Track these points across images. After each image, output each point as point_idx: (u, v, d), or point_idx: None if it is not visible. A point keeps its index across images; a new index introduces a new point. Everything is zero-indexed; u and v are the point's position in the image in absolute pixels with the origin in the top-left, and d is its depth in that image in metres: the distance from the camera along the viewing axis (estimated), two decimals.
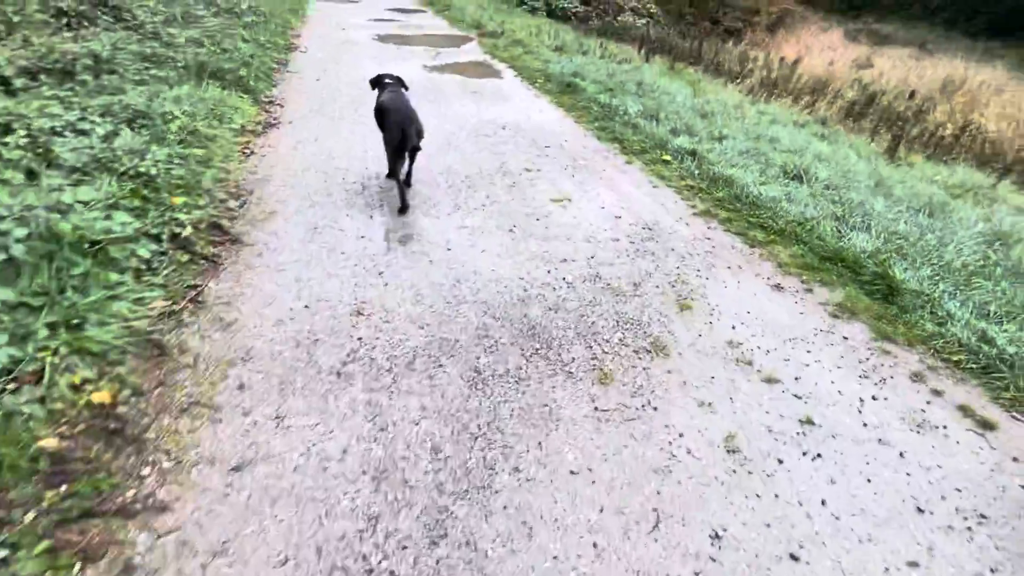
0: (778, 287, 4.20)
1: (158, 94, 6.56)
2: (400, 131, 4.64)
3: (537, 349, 3.34)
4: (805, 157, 6.79)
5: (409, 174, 5.24)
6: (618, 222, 4.97)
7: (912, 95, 12.58)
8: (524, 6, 22.21)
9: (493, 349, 3.31)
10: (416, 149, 4.87)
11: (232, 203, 4.78)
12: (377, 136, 5.50)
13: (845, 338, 3.69)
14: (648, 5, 25.20)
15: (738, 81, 16.22)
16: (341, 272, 3.95)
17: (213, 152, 5.48)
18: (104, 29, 9.97)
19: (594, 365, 3.25)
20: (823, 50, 22.16)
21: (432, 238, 4.49)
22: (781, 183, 6.01)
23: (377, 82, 5.41)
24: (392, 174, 5.16)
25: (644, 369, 3.25)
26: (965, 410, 3.17)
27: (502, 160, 6.21)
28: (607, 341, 3.46)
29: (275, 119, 7.11)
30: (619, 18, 22.93)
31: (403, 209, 4.85)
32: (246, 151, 5.93)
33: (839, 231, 4.95)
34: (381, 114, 5.02)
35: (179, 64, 7.65)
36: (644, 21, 23.18)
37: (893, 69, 19.26)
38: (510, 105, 8.39)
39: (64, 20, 9.50)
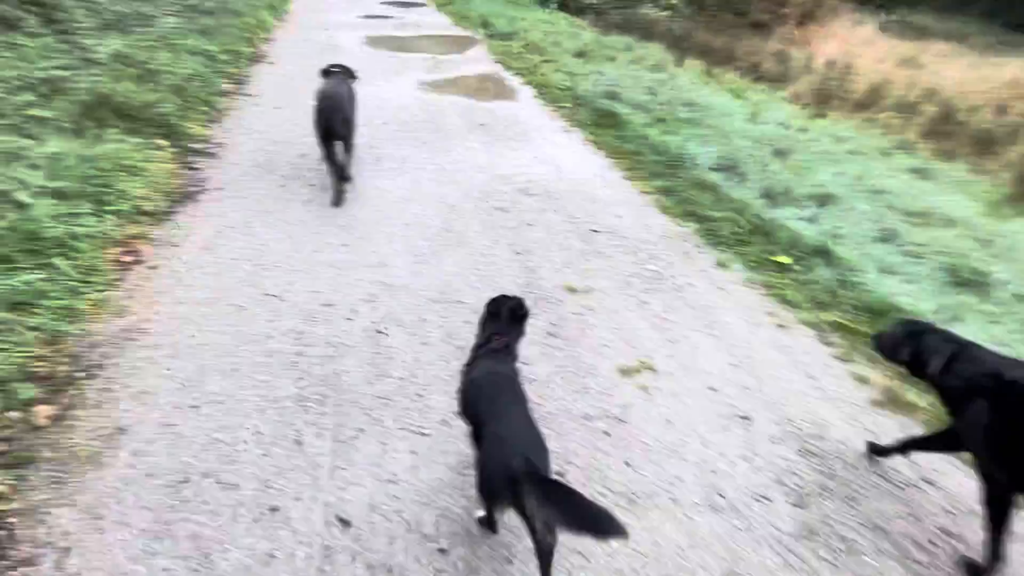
0: None
1: (19, 153, 4.25)
2: (325, 116, 4.47)
3: None
4: (949, 234, 4.49)
5: (345, 166, 4.74)
6: (755, 437, 2.64)
7: (1004, 110, 10.14)
8: None
9: None
10: (347, 139, 4.73)
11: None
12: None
13: None
14: None
15: (783, 86, 13.76)
16: None
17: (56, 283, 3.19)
18: (26, 34, 7.63)
19: None
20: (860, 46, 19.51)
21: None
22: (964, 300, 3.71)
23: (326, 72, 5.20)
24: (327, 159, 4.64)
25: None
26: None
27: (528, 263, 3.89)
28: None
29: (198, 183, 4.77)
30: (639, 10, 20.28)
31: (337, 203, 4.58)
32: (126, 260, 3.63)
33: None
34: (317, 102, 4.63)
35: (76, 97, 5.31)
36: (667, 13, 20.53)
37: (947, 69, 16.68)
38: (533, 148, 6.02)
39: None
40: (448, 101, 7.37)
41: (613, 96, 7.75)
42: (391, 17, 13.37)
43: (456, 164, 5.47)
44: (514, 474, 1.69)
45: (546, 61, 9.62)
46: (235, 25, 9.54)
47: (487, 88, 8.13)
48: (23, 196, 3.68)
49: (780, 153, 6.66)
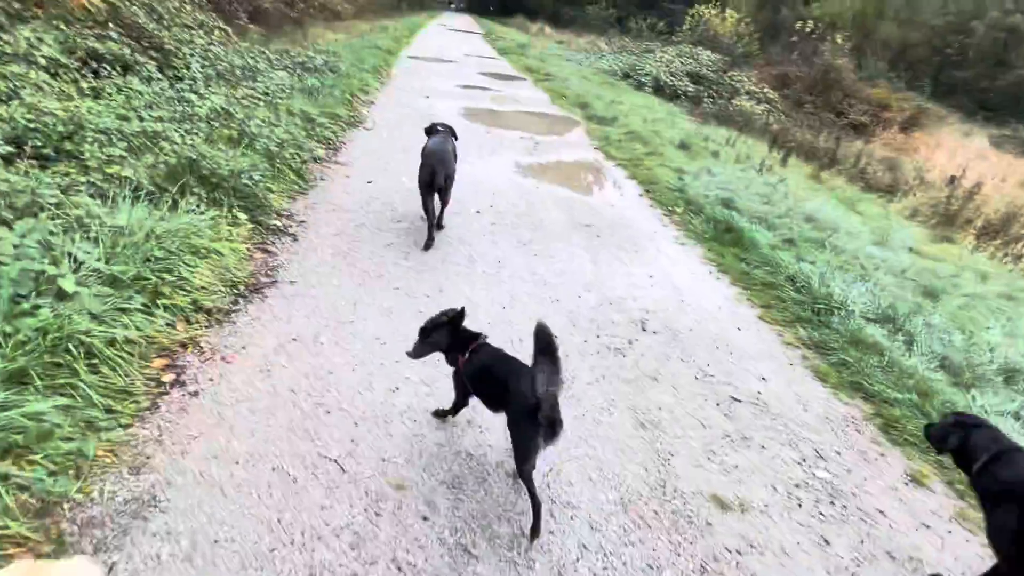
0: None
1: (84, 221, 3.71)
2: (430, 170, 4.68)
3: None
4: None
5: (440, 215, 5.13)
6: None
7: None
8: (630, 80, 19.26)
9: None
10: (445, 191, 4.93)
11: None
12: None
13: None
14: (764, 89, 21.76)
15: (893, 197, 12.56)
16: None
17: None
18: (142, 79, 7.50)
19: None
20: (974, 160, 18.05)
21: None
22: None
23: (430, 129, 5.30)
24: (424, 208, 4.85)
25: None
26: None
27: (658, 446, 2.93)
28: None
29: (270, 273, 4.11)
30: (733, 101, 19.60)
31: (428, 246, 4.81)
32: (165, 380, 2.91)
33: None
34: (423, 154, 4.91)
35: (164, 156, 4.84)
36: (763, 108, 19.75)
37: None
38: (646, 261, 5.15)
39: (91, 66, 7.02)
40: (547, 191, 6.66)
41: (728, 203, 6.86)
42: (489, 89, 13.09)
43: (560, 276, 4.65)
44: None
45: (650, 153, 8.88)
46: (339, 86, 9.29)
47: (589, 179, 7.40)
48: (68, 284, 3.05)
49: (930, 295, 5.57)
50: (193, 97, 6.45)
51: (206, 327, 3.37)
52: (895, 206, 11.81)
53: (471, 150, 7.68)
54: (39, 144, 4.82)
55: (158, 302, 3.35)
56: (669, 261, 5.23)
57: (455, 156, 5.16)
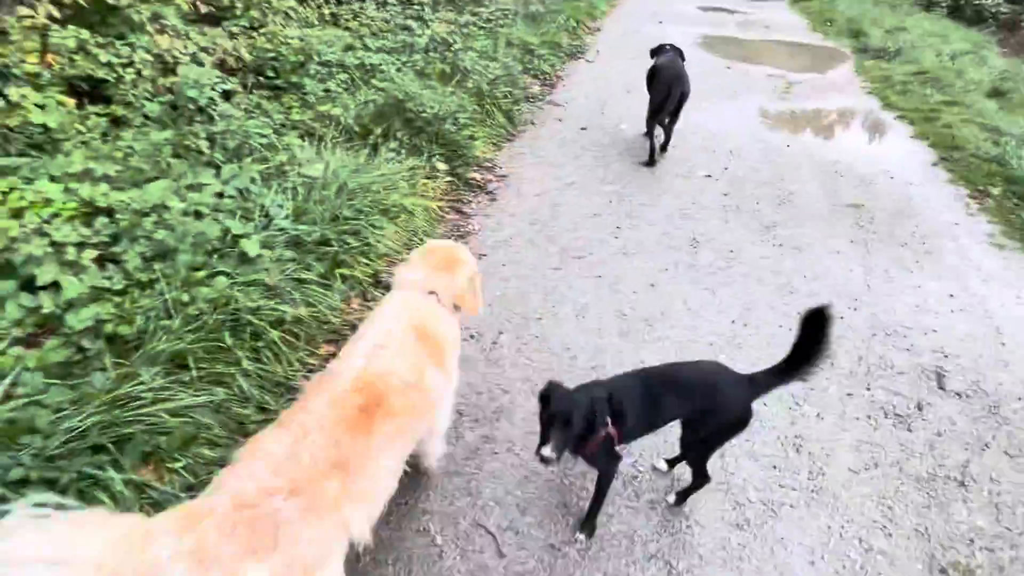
0: None
1: (284, 168, 3.49)
2: (667, 88, 4.39)
3: None
4: None
5: (668, 138, 4.79)
6: None
7: None
8: None
9: None
10: (676, 113, 4.60)
11: None
12: None
13: None
14: None
15: None
16: None
17: None
18: (376, 3, 7.44)
19: None
20: None
21: None
22: None
23: (657, 50, 4.96)
24: (648, 132, 4.68)
25: None
26: None
27: None
28: None
29: (463, 235, 3.56)
30: None
31: (651, 163, 4.66)
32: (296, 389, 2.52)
33: None
34: (653, 74, 4.68)
35: (371, 96, 4.49)
36: None
37: None
38: (943, 272, 3.65)
39: None
40: (802, 151, 5.18)
41: None
42: (736, 12, 11.05)
43: (813, 281, 3.44)
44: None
45: (948, 103, 6.63)
46: (564, 10, 8.32)
47: (858, 137, 5.68)
48: (252, 246, 2.78)
49: None
50: (414, 25, 6.03)
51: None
52: None
53: (704, 93, 6.33)
54: (271, 76, 4.78)
55: (337, 272, 2.98)
56: (979, 274, 3.66)
57: (687, 76, 4.62)
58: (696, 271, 3.47)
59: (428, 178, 4.00)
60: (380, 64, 5.13)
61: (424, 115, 4.24)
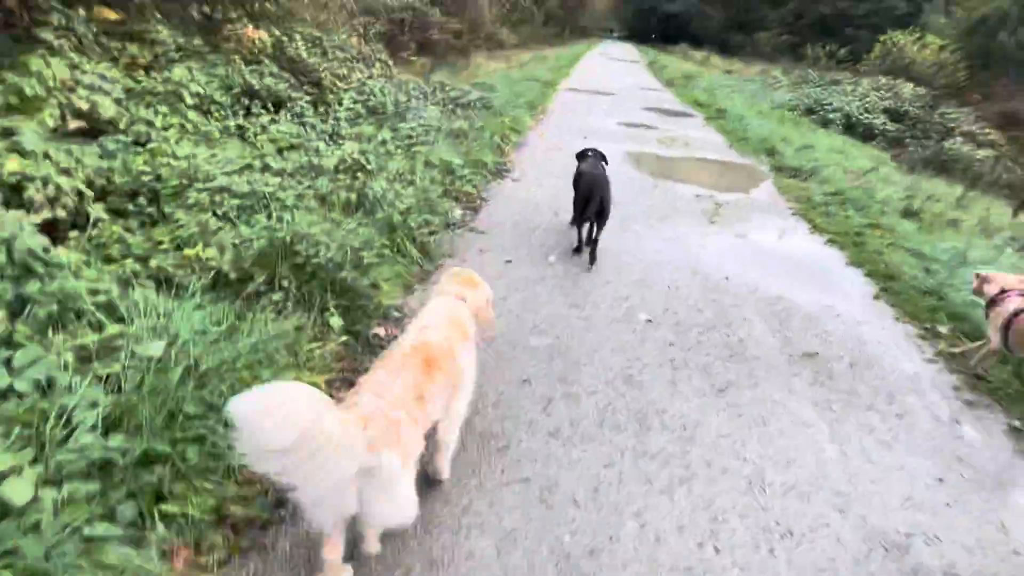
0: None
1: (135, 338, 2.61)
2: (588, 190, 4.51)
3: None
4: None
5: (594, 243, 4.69)
6: None
7: None
8: (815, 116, 16.36)
9: None
10: (601, 216, 4.56)
11: None
12: None
13: None
14: (985, 130, 17.60)
15: None
16: None
17: None
18: (294, 114, 6.86)
19: None
20: None
21: None
22: None
23: (581, 155, 5.24)
24: (575, 225, 4.97)
25: None
26: None
27: None
28: None
29: None
30: (945, 143, 15.91)
31: (578, 251, 4.87)
32: None
33: None
34: (577, 179, 4.92)
35: (255, 233, 3.72)
36: (985, 153, 15.82)
37: None
38: (918, 442, 3.13)
39: (246, 101, 6.45)
40: (743, 285, 4.77)
41: None
42: (655, 127, 11.29)
43: (788, 471, 2.80)
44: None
45: (870, 225, 6.56)
46: (488, 127, 8.05)
47: (799, 267, 5.37)
48: (20, 487, 1.85)
49: None
50: (322, 146, 5.42)
51: (220, 566, 2.02)
52: None
53: (636, 215, 5.99)
54: (142, 204, 3.95)
55: (157, 510, 2.07)
56: (962, 447, 3.15)
57: (609, 182, 4.75)
58: (648, 462, 2.76)
59: (317, 340, 3.20)
60: (274, 192, 4.42)
61: (316, 259, 3.50)
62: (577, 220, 4.88)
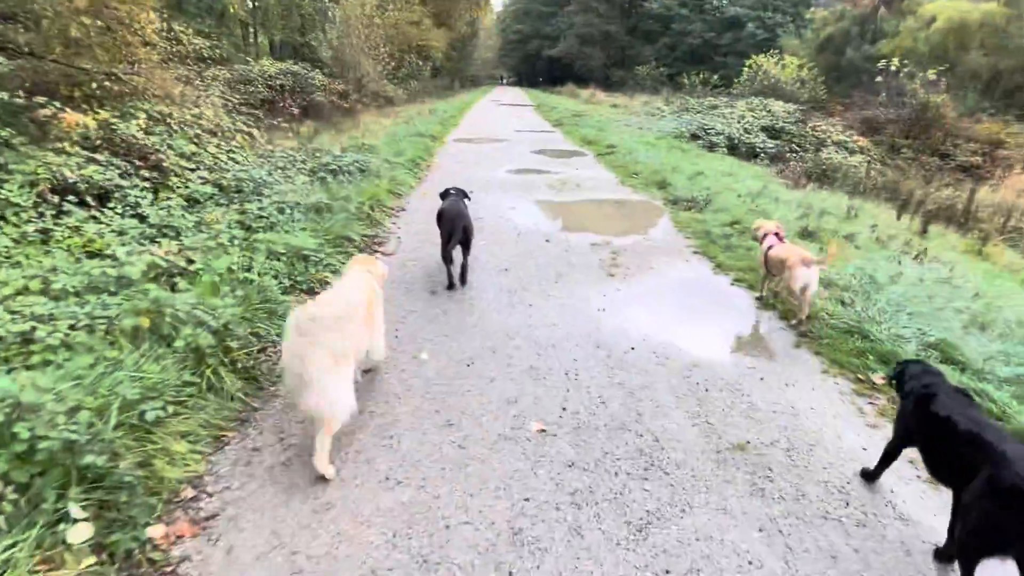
0: None
1: None
2: (451, 224, 4.84)
3: None
4: None
5: (464, 268, 5.15)
6: None
7: None
8: (700, 141, 16.59)
9: None
10: (466, 245, 5.04)
11: None
12: None
13: None
14: (854, 137, 18.55)
15: None
16: None
17: None
18: (125, 205, 5.63)
19: None
20: None
21: None
22: None
23: (444, 193, 5.50)
24: (445, 261, 5.04)
25: None
26: None
27: None
28: None
29: None
30: (821, 154, 16.52)
31: (451, 287, 5.03)
32: None
33: None
34: (440, 215, 5.15)
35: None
36: (858, 159, 16.54)
37: None
38: (896, 561, 2.37)
39: (53, 202, 5.17)
40: (650, 354, 4.00)
41: (945, 351, 3.99)
42: (546, 171, 10.74)
43: None
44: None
45: None
46: (356, 197, 7.07)
47: (707, 317, 4.69)
48: None
49: None
50: (122, 254, 4.25)
51: None
52: None
53: (528, 280, 5.20)
54: None
55: None
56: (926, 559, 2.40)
57: (468, 215, 5.16)
58: None
59: (45, 563, 2.06)
60: (43, 319, 3.23)
61: (49, 441, 2.35)
62: (445, 253, 4.98)
